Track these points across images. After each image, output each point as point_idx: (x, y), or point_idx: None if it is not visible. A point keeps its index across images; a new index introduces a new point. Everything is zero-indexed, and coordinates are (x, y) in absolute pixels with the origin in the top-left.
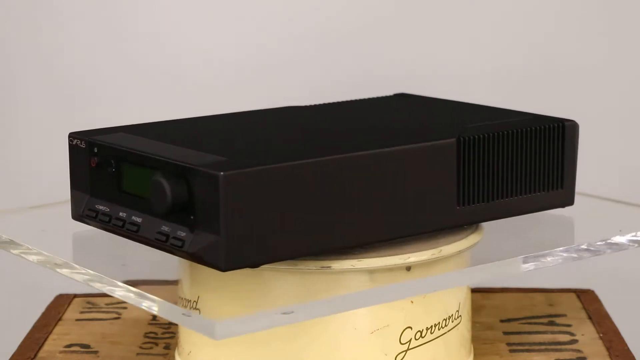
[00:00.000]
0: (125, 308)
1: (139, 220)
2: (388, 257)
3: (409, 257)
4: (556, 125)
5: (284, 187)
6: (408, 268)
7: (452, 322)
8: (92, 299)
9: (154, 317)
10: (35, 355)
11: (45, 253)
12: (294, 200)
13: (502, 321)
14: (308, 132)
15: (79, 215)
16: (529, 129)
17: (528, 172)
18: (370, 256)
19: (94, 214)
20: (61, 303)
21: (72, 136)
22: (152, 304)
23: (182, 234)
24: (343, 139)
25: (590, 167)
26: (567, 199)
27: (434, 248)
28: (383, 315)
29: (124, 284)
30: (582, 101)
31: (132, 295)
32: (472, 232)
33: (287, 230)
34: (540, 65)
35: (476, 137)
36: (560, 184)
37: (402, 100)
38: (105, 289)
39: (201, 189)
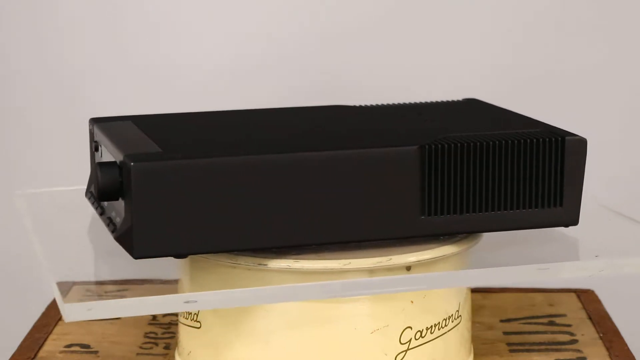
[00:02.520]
0: None
1: (105, 204)
2: (326, 261)
3: (349, 263)
4: (553, 139)
5: (206, 181)
6: (408, 268)
7: (452, 322)
8: None
9: (154, 317)
10: (35, 355)
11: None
12: (219, 196)
13: (502, 321)
14: (275, 131)
15: (86, 196)
16: (512, 141)
17: (512, 187)
18: (310, 258)
19: (89, 195)
20: None
21: (89, 122)
22: None
23: (117, 219)
24: (297, 140)
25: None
26: (568, 218)
27: (385, 256)
28: (383, 315)
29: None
30: (582, 103)
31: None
32: (442, 244)
33: (211, 224)
34: (540, 67)
35: (441, 146)
36: (559, 202)
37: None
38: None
39: (125, 177)
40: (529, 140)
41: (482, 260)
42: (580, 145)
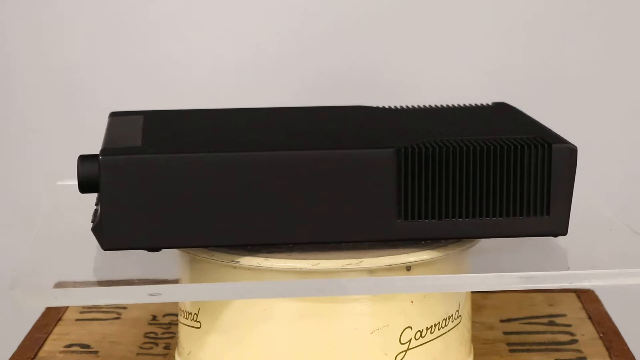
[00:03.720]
0: (125, 308)
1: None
2: (296, 261)
3: (319, 263)
4: (539, 146)
5: (175, 177)
6: (408, 268)
7: (452, 322)
8: None
9: (154, 317)
10: (35, 355)
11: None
12: (189, 192)
13: (502, 321)
14: (265, 130)
15: None
16: (493, 146)
17: (494, 193)
18: (281, 257)
19: None
20: None
21: (109, 116)
22: None
23: (98, 212)
24: (277, 138)
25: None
26: (556, 228)
27: (356, 258)
28: (383, 315)
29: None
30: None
31: None
32: (420, 249)
33: (182, 220)
34: (540, 69)
35: (418, 148)
36: (546, 211)
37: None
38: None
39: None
40: (512, 146)
41: (472, 265)
42: (569, 153)
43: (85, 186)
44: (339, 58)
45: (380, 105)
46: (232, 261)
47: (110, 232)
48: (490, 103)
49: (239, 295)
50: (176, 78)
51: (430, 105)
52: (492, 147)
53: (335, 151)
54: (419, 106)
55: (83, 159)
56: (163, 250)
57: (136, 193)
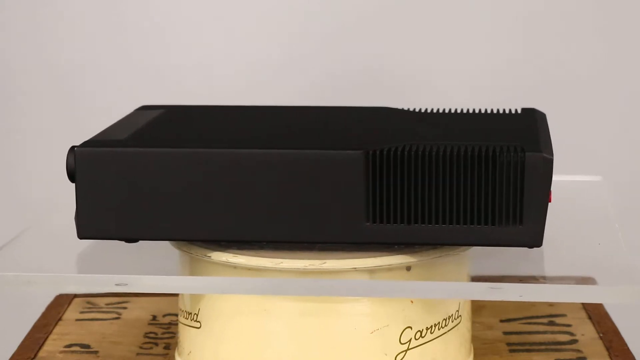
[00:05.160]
0: (125, 308)
1: None
2: (261, 258)
3: (281, 262)
4: (512, 154)
5: (145, 170)
6: (408, 268)
7: (452, 322)
8: (92, 299)
9: (154, 317)
10: (35, 355)
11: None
12: (160, 185)
13: (502, 321)
14: (255, 127)
15: None
16: (463, 153)
17: (464, 200)
18: (249, 254)
19: None
20: (61, 303)
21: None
22: None
23: None
24: (254, 136)
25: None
26: (530, 239)
27: (320, 259)
28: (383, 315)
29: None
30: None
31: None
32: (390, 254)
33: (152, 213)
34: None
35: (386, 152)
36: (519, 221)
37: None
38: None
39: None
40: (484, 152)
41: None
42: (543, 163)
43: (72, 176)
44: (346, 58)
45: (405, 108)
46: (205, 256)
47: (84, 221)
48: (518, 110)
49: (209, 289)
50: (176, 78)
51: (447, 110)
52: (462, 152)
53: (304, 151)
54: (432, 110)
55: (71, 150)
56: (161, 246)
57: (109, 184)
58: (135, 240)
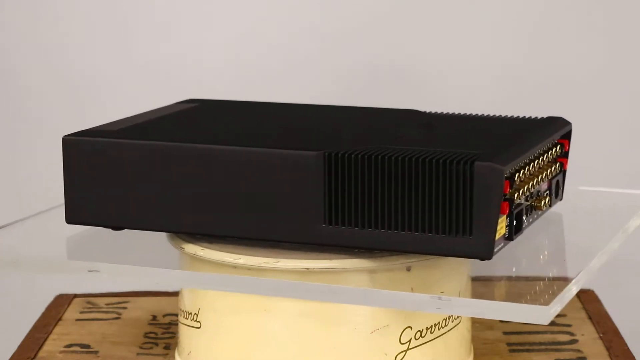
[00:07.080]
0: (125, 308)
1: None
2: (221, 253)
3: (239, 259)
4: (461, 163)
5: (126, 161)
6: (408, 268)
7: (452, 322)
8: (92, 299)
9: (154, 317)
10: (35, 355)
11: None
12: (138, 176)
13: (502, 321)
14: (235, 126)
15: None
16: (413, 160)
17: (416, 207)
18: (215, 248)
19: None
20: (61, 303)
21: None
22: None
23: None
24: (238, 134)
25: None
26: (479, 250)
27: (275, 257)
28: (383, 315)
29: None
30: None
31: None
32: (350, 256)
33: (133, 202)
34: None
35: (342, 154)
36: (468, 232)
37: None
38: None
39: None
40: (434, 161)
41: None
42: (493, 173)
43: None
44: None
45: (428, 110)
46: (180, 247)
47: (70, 206)
48: (543, 116)
49: (181, 284)
50: (176, 77)
51: (463, 113)
52: (413, 159)
53: (264, 150)
54: (453, 113)
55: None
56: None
57: (94, 173)
58: (120, 228)
